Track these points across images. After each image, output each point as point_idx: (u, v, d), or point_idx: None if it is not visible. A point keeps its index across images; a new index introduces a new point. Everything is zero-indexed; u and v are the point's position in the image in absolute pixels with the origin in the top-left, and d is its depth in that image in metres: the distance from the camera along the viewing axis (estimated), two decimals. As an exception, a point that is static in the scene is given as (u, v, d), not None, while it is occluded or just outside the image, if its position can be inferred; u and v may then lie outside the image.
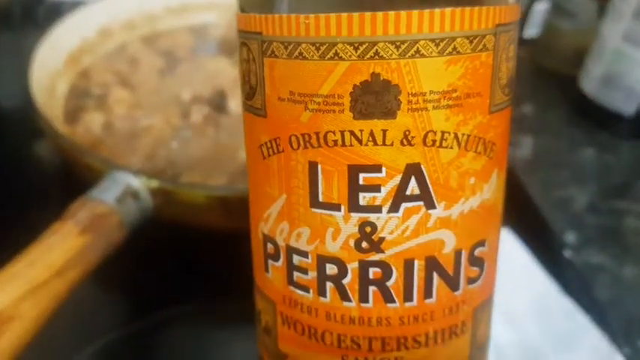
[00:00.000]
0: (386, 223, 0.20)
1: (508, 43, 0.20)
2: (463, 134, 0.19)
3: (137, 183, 0.33)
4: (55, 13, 0.54)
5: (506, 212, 0.47)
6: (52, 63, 0.49)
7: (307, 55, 0.19)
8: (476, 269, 0.22)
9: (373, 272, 0.20)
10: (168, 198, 0.35)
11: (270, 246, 0.22)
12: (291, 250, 0.21)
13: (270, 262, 0.23)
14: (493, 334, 0.37)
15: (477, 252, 0.21)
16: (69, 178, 0.46)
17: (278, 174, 0.21)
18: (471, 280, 0.22)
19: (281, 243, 0.22)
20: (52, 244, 0.29)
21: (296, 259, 0.21)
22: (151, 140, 0.43)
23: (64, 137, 0.38)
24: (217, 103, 0.47)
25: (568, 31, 0.64)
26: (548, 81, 0.64)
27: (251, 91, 0.21)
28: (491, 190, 0.21)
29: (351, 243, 0.20)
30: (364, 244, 0.20)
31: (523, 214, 0.46)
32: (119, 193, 0.32)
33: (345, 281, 0.21)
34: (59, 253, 0.29)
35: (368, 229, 0.20)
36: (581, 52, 0.60)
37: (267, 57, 0.20)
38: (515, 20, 0.20)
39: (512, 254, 0.41)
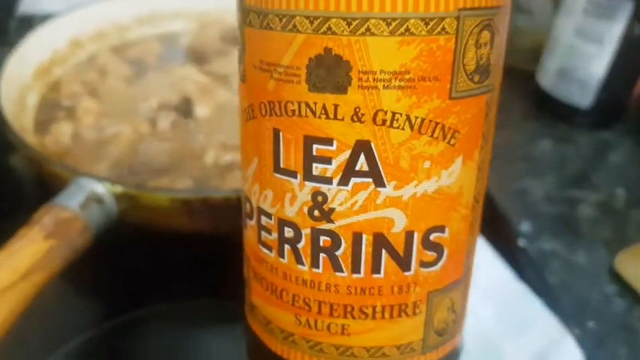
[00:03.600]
0: (336, 195, 0.21)
1: (479, 28, 0.19)
2: (416, 117, 0.19)
3: (101, 189, 0.35)
4: (26, 27, 0.55)
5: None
6: (21, 76, 0.50)
7: (272, 26, 0.20)
8: (432, 254, 0.22)
9: (323, 240, 0.22)
10: (132, 202, 0.36)
11: (247, 205, 0.24)
12: (260, 211, 0.23)
13: (247, 220, 0.24)
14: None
15: (432, 237, 0.22)
16: (40, 188, 0.47)
17: (253, 138, 0.23)
18: (425, 264, 0.22)
19: (254, 203, 0.23)
20: (17, 249, 0.30)
21: (263, 220, 0.23)
22: (118, 148, 0.44)
23: (31, 148, 0.40)
24: (184, 109, 0.49)
25: (525, 28, 0.66)
26: (506, 77, 0.65)
27: (239, 58, 0.23)
28: (453, 177, 0.21)
29: (305, 210, 0.21)
30: (316, 213, 0.21)
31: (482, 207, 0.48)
32: (83, 199, 0.33)
33: (299, 245, 0.22)
34: (24, 258, 0.30)
35: (319, 199, 0.21)
36: (538, 48, 0.62)
37: (246, 26, 0.21)
38: (495, 6, 0.20)
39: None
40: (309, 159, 0.21)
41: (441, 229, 0.22)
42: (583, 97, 0.56)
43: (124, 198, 0.35)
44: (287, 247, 0.23)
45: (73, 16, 0.58)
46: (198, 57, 0.59)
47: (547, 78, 0.59)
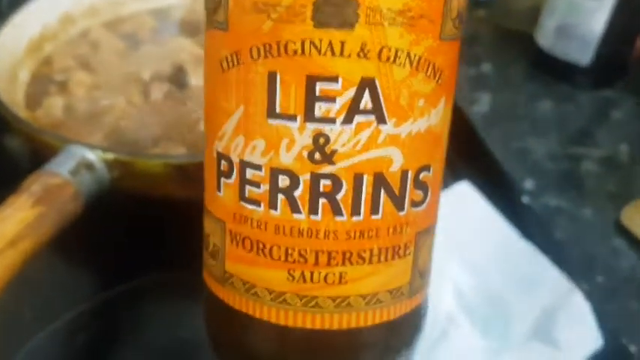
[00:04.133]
0: (339, 136, 0.21)
1: None
2: (415, 54, 0.20)
3: (92, 155, 0.34)
4: (19, 2, 0.54)
5: (466, 166, 0.48)
6: (12, 50, 0.49)
7: None
8: (420, 193, 0.23)
9: (324, 185, 0.21)
10: (125, 169, 0.35)
11: (223, 163, 0.23)
12: (244, 165, 0.22)
13: (222, 180, 0.24)
14: (456, 282, 0.38)
15: (421, 176, 0.22)
16: (34, 163, 0.47)
17: (236, 86, 0.22)
18: (414, 203, 0.23)
19: (235, 159, 0.22)
20: (5, 216, 0.29)
21: (249, 173, 0.22)
22: (112, 119, 0.44)
23: (22, 120, 0.39)
24: (177, 80, 0.48)
25: (522, -11, 0.65)
26: (506, 40, 0.64)
27: (215, 4, 0.22)
28: (438, 117, 0.22)
29: (305, 154, 0.21)
30: (317, 156, 0.21)
31: (483, 166, 0.47)
32: (74, 165, 0.33)
33: (296, 193, 0.22)
34: (12, 224, 0.29)
35: (322, 141, 0.21)
36: (537, 10, 0.60)
37: None
38: None
39: (472, 205, 0.42)
40: (311, 99, 0.20)
41: (427, 168, 0.23)
42: (583, 55, 0.55)
43: (116, 165, 0.35)
44: (281, 197, 0.22)
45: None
46: (191, 30, 0.58)
47: (546, 37, 0.58)
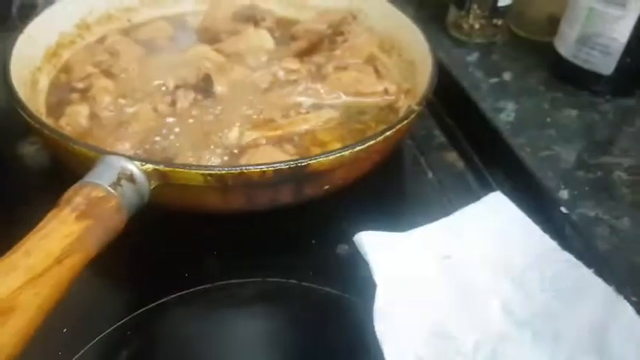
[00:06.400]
0: None
1: None
2: None
3: (131, 166, 0.32)
4: (29, 12, 0.53)
5: (496, 176, 0.48)
6: (31, 57, 0.47)
7: None
8: None
9: None
10: (165, 180, 0.34)
11: None
12: None
13: None
14: (503, 298, 0.37)
15: None
16: (57, 172, 0.45)
17: None
18: None
19: None
20: (49, 231, 0.28)
21: None
22: (139, 128, 0.42)
23: (51, 128, 0.37)
24: (203, 88, 0.47)
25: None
26: (524, 48, 0.64)
27: None
28: None
29: None
30: None
31: (513, 176, 0.47)
32: (114, 177, 0.31)
33: None
34: (57, 240, 0.28)
35: None
36: (555, 18, 0.60)
37: None
38: None
39: (507, 215, 0.41)
40: None
41: None
42: (606, 64, 0.55)
43: (155, 175, 0.34)
44: None
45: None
46: (209, 37, 0.57)
47: (567, 45, 0.58)
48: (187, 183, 0.34)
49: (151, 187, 0.34)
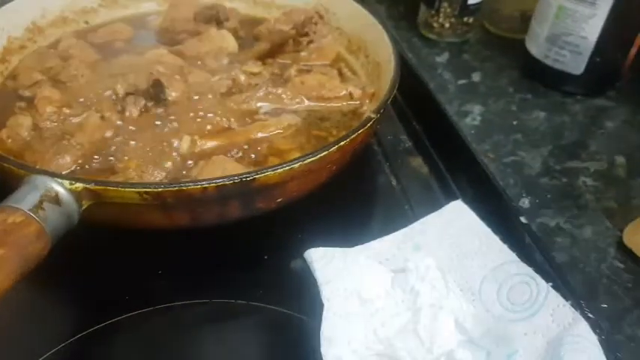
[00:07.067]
0: None
1: None
2: None
3: (57, 186, 0.31)
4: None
5: (460, 182, 0.46)
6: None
7: None
8: None
9: None
10: (98, 199, 0.32)
11: None
12: None
13: None
14: (456, 314, 0.36)
15: None
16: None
17: None
18: None
19: None
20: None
21: None
22: (85, 139, 0.41)
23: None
24: (154, 94, 0.45)
25: (511, -5, 0.63)
26: (497, 46, 0.63)
27: None
28: None
29: None
30: None
31: (476, 183, 0.45)
32: (36, 199, 0.29)
33: None
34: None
35: None
36: (528, 15, 0.59)
37: None
38: None
39: (466, 225, 0.40)
40: None
41: None
42: (576, 63, 0.54)
43: (86, 195, 0.32)
44: None
45: (30, 1, 0.53)
46: (169, 38, 0.55)
47: (537, 45, 0.56)
48: (123, 201, 0.33)
49: (82, 207, 0.32)
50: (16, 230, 0.28)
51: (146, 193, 0.33)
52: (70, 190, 0.31)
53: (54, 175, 0.31)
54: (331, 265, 0.36)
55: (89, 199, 0.32)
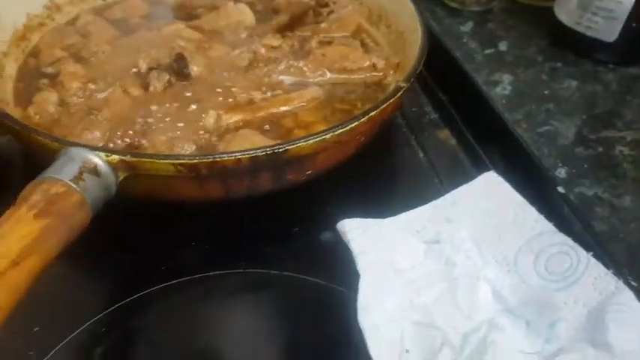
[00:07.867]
0: None
1: None
2: None
3: (95, 158, 0.30)
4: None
5: (490, 154, 0.45)
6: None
7: None
8: None
9: None
10: (133, 171, 0.32)
11: None
12: None
13: None
14: (494, 284, 0.35)
15: None
16: (27, 164, 0.43)
17: None
18: None
19: None
20: (4, 232, 0.26)
21: None
22: (111, 114, 0.40)
23: (13, 118, 0.35)
24: (177, 68, 0.44)
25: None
26: (522, 15, 0.61)
27: None
28: None
29: None
30: None
31: (509, 154, 0.44)
32: (76, 170, 0.29)
33: None
34: (14, 241, 0.26)
35: None
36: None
37: None
38: None
39: (500, 196, 0.39)
40: None
41: None
42: (609, 30, 0.52)
43: (122, 167, 0.31)
44: None
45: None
46: (186, 13, 0.54)
47: (567, 11, 0.54)
48: (158, 173, 0.32)
49: (119, 179, 0.32)
50: (60, 201, 0.28)
51: (180, 164, 0.32)
52: (107, 162, 0.31)
53: (91, 147, 0.31)
54: (365, 236, 0.36)
55: (125, 170, 0.32)
